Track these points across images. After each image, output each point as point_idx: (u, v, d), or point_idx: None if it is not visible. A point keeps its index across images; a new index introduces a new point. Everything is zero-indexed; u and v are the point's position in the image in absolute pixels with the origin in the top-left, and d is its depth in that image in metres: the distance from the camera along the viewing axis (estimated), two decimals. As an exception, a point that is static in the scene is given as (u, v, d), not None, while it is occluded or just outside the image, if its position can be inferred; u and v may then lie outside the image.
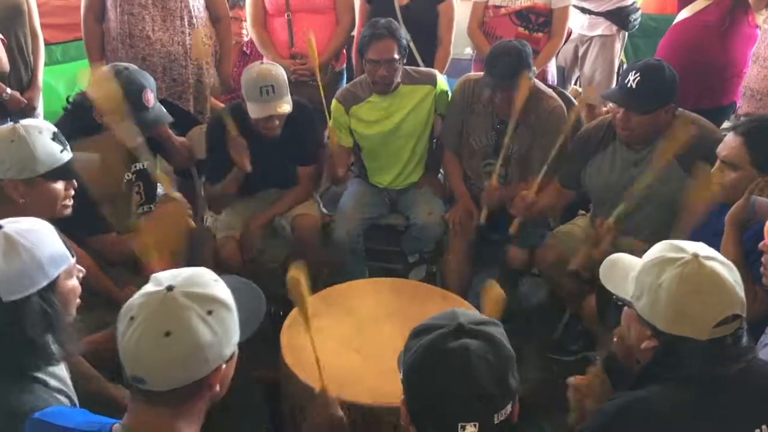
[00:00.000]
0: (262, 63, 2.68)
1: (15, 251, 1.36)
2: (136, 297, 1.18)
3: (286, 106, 2.61)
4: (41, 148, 1.80)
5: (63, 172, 1.86)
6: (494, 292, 1.76)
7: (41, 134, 1.81)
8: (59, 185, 1.88)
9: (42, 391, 1.40)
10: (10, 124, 1.82)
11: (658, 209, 2.42)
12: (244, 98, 2.62)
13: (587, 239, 2.42)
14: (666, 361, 1.37)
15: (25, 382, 1.39)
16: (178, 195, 2.63)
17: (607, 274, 1.51)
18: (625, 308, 1.46)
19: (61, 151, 1.85)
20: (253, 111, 2.59)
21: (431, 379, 1.18)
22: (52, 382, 1.44)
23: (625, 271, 1.46)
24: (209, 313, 1.16)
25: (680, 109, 2.42)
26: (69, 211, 1.93)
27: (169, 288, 1.16)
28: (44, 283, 1.39)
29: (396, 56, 2.73)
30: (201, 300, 1.16)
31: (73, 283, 1.49)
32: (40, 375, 1.42)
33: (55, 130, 1.87)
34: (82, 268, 1.54)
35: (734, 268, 1.37)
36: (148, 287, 1.19)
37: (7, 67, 2.46)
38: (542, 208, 2.64)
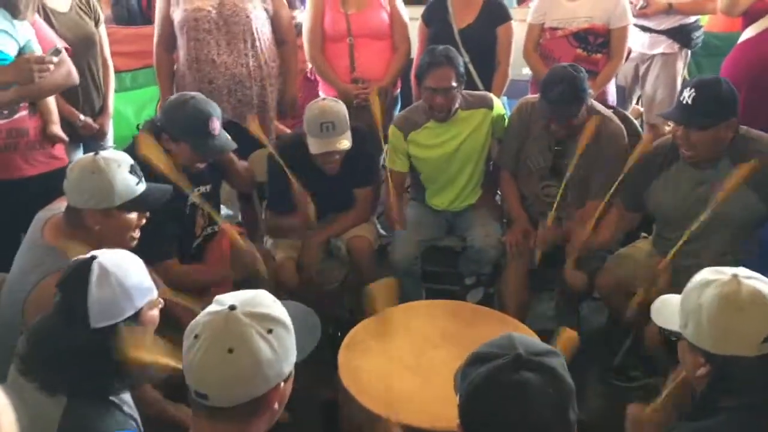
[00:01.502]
0: (324, 99, 2.74)
1: (107, 281, 1.46)
2: (201, 316, 1.24)
3: (345, 142, 2.66)
4: (119, 181, 1.88)
5: (138, 203, 1.94)
6: (568, 335, 1.76)
7: (120, 167, 1.89)
8: (133, 215, 1.96)
9: (121, 416, 1.48)
10: (90, 155, 1.90)
11: (725, 232, 2.36)
12: (306, 132, 2.68)
13: (644, 280, 2.37)
14: (721, 385, 1.37)
15: (108, 406, 1.47)
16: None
17: (657, 313, 1.56)
18: (680, 341, 1.45)
19: (137, 183, 1.93)
20: (314, 146, 2.66)
21: (489, 412, 1.17)
22: (126, 408, 1.50)
23: (675, 306, 1.49)
24: (269, 331, 1.21)
25: (745, 127, 2.35)
26: (136, 242, 2.00)
27: (232, 307, 1.22)
28: (131, 313, 1.49)
29: (454, 84, 2.74)
30: (261, 319, 1.22)
31: (154, 313, 1.58)
32: (116, 400, 1.49)
33: (132, 162, 1.95)
34: (161, 300, 1.62)
35: None
36: (212, 307, 1.25)
37: (77, 78, 2.56)
38: (600, 245, 2.62)
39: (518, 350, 1.18)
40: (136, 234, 2.00)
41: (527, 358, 1.17)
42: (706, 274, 1.41)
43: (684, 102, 2.24)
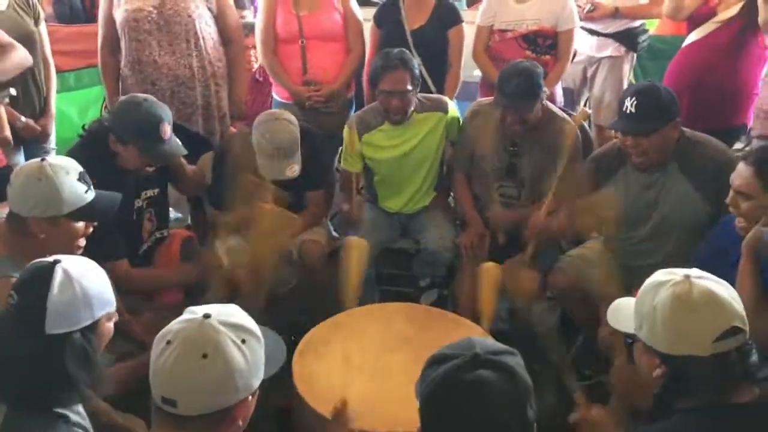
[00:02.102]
0: (276, 118, 2.67)
1: (70, 287, 1.42)
2: (173, 324, 1.23)
3: (295, 167, 2.62)
4: (68, 189, 1.81)
5: (86, 212, 1.87)
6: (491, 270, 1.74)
7: (68, 174, 1.83)
8: (80, 224, 1.89)
9: (64, 428, 1.41)
10: (37, 161, 1.83)
11: (674, 234, 2.41)
12: (254, 147, 2.62)
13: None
14: (676, 386, 1.39)
15: (50, 418, 1.41)
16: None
17: (613, 315, 1.58)
18: (635, 343, 1.47)
19: (86, 192, 1.86)
20: (263, 169, 2.62)
21: (447, 411, 1.18)
22: (74, 417, 1.45)
23: (629, 309, 1.50)
24: (243, 341, 1.21)
25: (689, 130, 2.41)
26: (81, 250, 1.93)
27: (206, 315, 1.22)
28: (88, 322, 1.44)
29: (409, 87, 2.74)
30: (236, 329, 1.22)
31: (110, 326, 1.54)
32: (63, 411, 1.43)
33: (81, 170, 1.88)
34: (117, 315, 1.57)
35: (729, 286, 1.40)
36: (185, 316, 1.24)
37: (31, 59, 2.48)
38: (556, 231, 2.64)
39: (476, 350, 1.19)
40: (82, 243, 1.93)
41: (484, 357, 1.18)
42: (659, 275, 1.43)
43: (627, 111, 2.29)
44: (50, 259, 1.46)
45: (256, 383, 1.25)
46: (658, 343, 1.39)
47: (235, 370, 1.18)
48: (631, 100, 2.28)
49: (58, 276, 1.41)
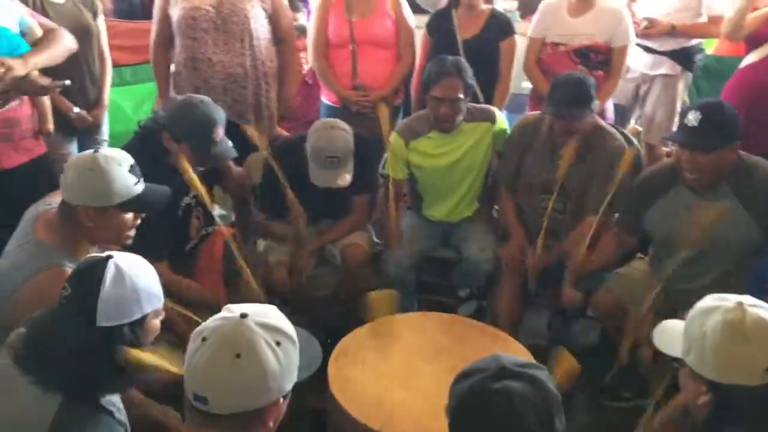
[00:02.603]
0: (332, 126, 2.69)
1: (121, 281, 1.46)
2: (210, 321, 1.24)
3: (347, 177, 2.65)
4: (118, 180, 1.84)
5: (135, 204, 1.90)
6: (567, 359, 1.75)
7: (120, 166, 1.85)
8: (129, 216, 1.93)
9: (112, 422, 1.46)
10: (90, 152, 1.87)
11: (721, 258, 2.36)
12: (308, 154, 2.64)
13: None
14: (723, 414, 1.36)
15: (101, 412, 1.45)
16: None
17: (659, 337, 1.56)
18: (681, 368, 1.45)
19: (136, 183, 1.89)
20: (315, 176, 2.65)
21: (475, 422, 1.17)
22: (116, 414, 1.49)
23: (676, 332, 1.48)
24: (278, 344, 1.21)
25: (744, 153, 2.35)
26: (130, 241, 1.97)
27: (243, 315, 1.22)
28: (137, 317, 1.48)
29: (461, 95, 2.73)
30: (271, 330, 1.22)
31: (157, 323, 1.57)
32: (108, 406, 1.47)
33: (132, 162, 1.91)
34: (164, 312, 1.60)
35: None
36: (222, 314, 1.25)
37: (75, 44, 2.54)
38: (598, 266, 2.62)
39: (502, 363, 1.19)
40: (131, 234, 1.97)
41: (511, 369, 1.18)
42: (711, 301, 1.40)
43: (689, 125, 2.23)
44: (104, 254, 1.50)
45: (289, 386, 1.25)
46: (706, 369, 1.36)
47: (267, 372, 1.18)
48: (695, 113, 2.22)
49: (110, 271, 1.45)
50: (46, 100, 2.65)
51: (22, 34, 2.39)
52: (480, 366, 1.21)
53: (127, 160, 1.90)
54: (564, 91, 2.57)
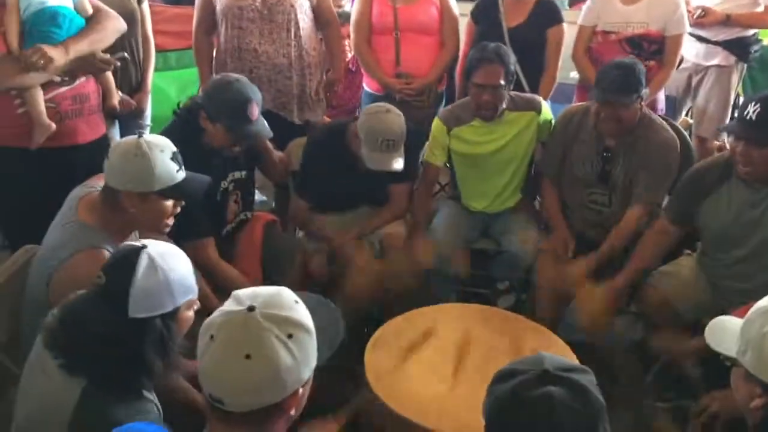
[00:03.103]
0: (387, 110, 2.65)
1: (154, 272, 1.44)
2: (217, 315, 1.19)
3: (401, 161, 2.62)
4: (161, 166, 1.85)
5: (176, 191, 1.91)
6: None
7: (162, 152, 1.87)
8: (169, 203, 1.94)
9: (140, 404, 1.45)
10: (134, 137, 1.88)
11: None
12: (361, 137, 2.62)
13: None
14: None
15: (127, 393, 1.44)
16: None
17: (712, 335, 1.48)
18: (733, 367, 1.38)
19: (177, 171, 1.90)
20: (369, 160, 2.61)
21: (515, 427, 1.13)
22: (146, 393, 1.48)
23: (731, 330, 1.42)
24: (289, 336, 1.15)
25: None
26: (168, 228, 1.98)
27: (250, 308, 1.16)
28: (170, 308, 1.47)
29: (502, 82, 2.68)
30: (281, 322, 1.16)
31: (190, 314, 1.55)
32: (150, 396, 1.47)
33: (175, 149, 1.92)
34: (198, 303, 1.59)
35: None
36: (229, 305, 1.19)
37: (124, 24, 2.57)
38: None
39: (545, 366, 1.14)
40: (170, 221, 1.98)
41: (554, 373, 1.13)
42: None
43: (747, 117, 2.15)
44: (138, 243, 1.49)
45: (307, 374, 1.20)
46: (763, 372, 1.30)
47: (280, 369, 1.13)
48: (754, 106, 2.14)
49: (143, 261, 1.44)
50: (110, 75, 2.67)
51: (75, 8, 2.40)
52: (522, 367, 1.16)
53: (170, 147, 1.91)
54: (613, 76, 2.51)
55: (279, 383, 1.14)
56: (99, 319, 1.43)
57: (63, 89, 2.42)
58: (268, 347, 1.13)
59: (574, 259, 2.71)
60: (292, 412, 1.20)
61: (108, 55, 2.42)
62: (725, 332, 1.44)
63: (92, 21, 2.43)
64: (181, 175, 1.92)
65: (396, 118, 2.63)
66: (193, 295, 1.54)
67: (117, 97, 2.76)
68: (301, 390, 1.20)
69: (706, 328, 1.51)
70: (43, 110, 2.34)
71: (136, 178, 1.84)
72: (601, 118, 2.58)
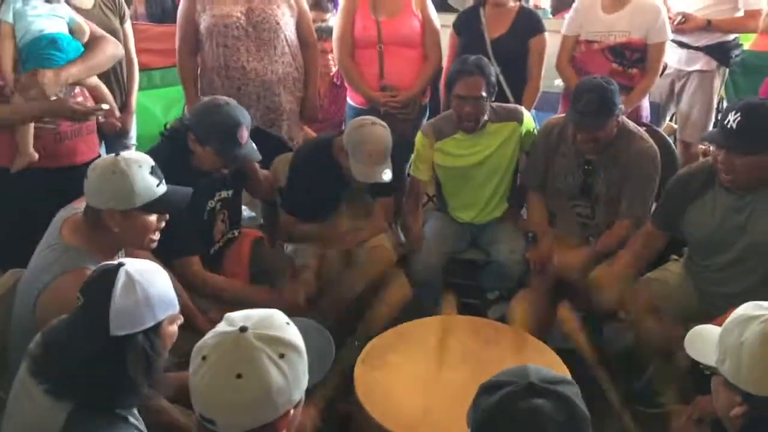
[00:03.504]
0: (374, 123, 2.64)
1: (132, 289, 1.43)
2: (209, 336, 1.20)
3: (389, 172, 2.61)
4: (140, 182, 1.85)
5: (158, 205, 1.91)
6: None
7: (141, 168, 1.86)
8: (153, 218, 1.93)
9: (127, 428, 1.44)
10: (111, 155, 1.88)
11: (761, 262, 2.28)
12: (348, 151, 2.62)
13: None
14: (757, 427, 1.32)
15: (113, 418, 1.43)
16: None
17: (691, 344, 1.49)
18: (714, 376, 1.39)
19: (158, 185, 1.90)
20: (358, 172, 2.60)
21: None
22: (131, 419, 1.47)
23: (710, 339, 1.43)
24: (281, 356, 1.16)
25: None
26: (155, 244, 1.98)
27: (242, 329, 1.17)
28: (151, 324, 1.45)
29: (483, 94, 2.69)
30: (273, 343, 1.17)
31: (173, 329, 1.55)
32: (129, 416, 1.46)
33: (153, 163, 1.92)
34: (181, 317, 1.58)
35: None
36: (222, 327, 1.20)
37: (122, 50, 2.58)
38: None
39: (530, 378, 1.14)
40: (156, 236, 1.97)
41: (540, 386, 1.13)
42: (749, 309, 1.35)
43: (728, 126, 2.15)
44: (115, 262, 1.49)
45: (298, 395, 1.21)
46: (742, 380, 1.31)
47: (272, 389, 1.14)
48: (735, 115, 2.14)
49: (121, 279, 1.43)
50: (107, 91, 2.67)
51: (71, 32, 2.42)
52: (507, 379, 1.16)
53: (148, 162, 1.91)
54: (587, 99, 2.50)
55: (270, 403, 1.15)
56: (81, 339, 1.42)
57: None
58: (259, 366, 1.14)
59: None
60: None
61: (89, 107, 2.42)
62: (704, 341, 1.45)
63: (90, 47, 2.44)
64: (162, 188, 1.92)
65: (382, 131, 2.63)
66: (175, 309, 1.53)
67: (117, 111, 2.76)
68: (292, 411, 1.20)
69: (686, 338, 1.52)
70: (30, 141, 2.35)
71: (117, 196, 1.84)
72: (578, 139, 2.60)
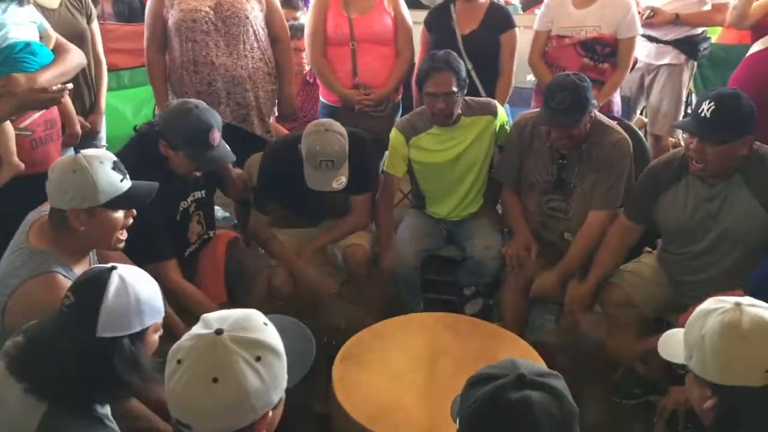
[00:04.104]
0: (326, 129, 2.61)
1: (125, 292, 1.43)
2: (185, 338, 1.17)
3: (342, 179, 2.59)
4: (102, 178, 1.81)
5: (123, 201, 1.87)
6: None
7: (102, 164, 1.83)
8: (119, 214, 1.89)
9: (101, 428, 1.43)
10: (71, 154, 1.85)
11: (735, 249, 2.31)
12: (303, 156, 2.60)
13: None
14: (728, 418, 1.34)
15: (89, 418, 1.42)
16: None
17: (664, 346, 1.53)
18: (687, 373, 1.43)
19: (121, 180, 1.86)
20: (310, 179, 2.59)
21: (493, 430, 1.13)
22: (106, 421, 1.45)
23: (679, 339, 1.46)
24: (258, 359, 1.14)
25: (758, 143, 2.30)
26: (123, 244, 1.94)
27: (218, 332, 1.15)
28: (137, 329, 1.45)
29: (454, 89, 2.69)
30: (250, 345, 1.15)
31: (155, 338, 1.54)
32: (98, 414, 1.44)
33: (115, 159, 1.88)
34: (161, 328, 1.57)
35: None
36: (197, 329, 1.18)
37: (85, 59, 2.54)
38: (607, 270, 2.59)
39: (520, 371, 1.15)
40: (123, 235, 1.93)
41: (530, 378, 1.14)
42: (709, 304, 1.39)
43: (702, 115, 2.18)
44: (108, 264, 1.48)
45: (276, 397, 1.19)
46: (708, 373, 1.35)
47: (249, 393, 1.12)
48: (709, 104, 2.17)
49: (114, 282, 1.43)
50: (70, 103, 2.64)
51: (39, 38, 2.37)
52: (496, 372, 1.17)
53: (109, 158, 1.87)
54: (559, 96, 2.50)
55: (247, 407, 1.13)
56: (67, 337, 1.41)
57: (36, 116, 2.37)
58: (235, 370, 1.12)
59: (542, 271, 2.74)
60: None
61: (55, 87, 2.35)
62: (675, 342, 1.48)
63: (59, 54, 2.39)
64: (126, 184, 1.87)
65: (335, 138, 2.59)
66: (161, 318, 1.52)
67: (78, 124, 2.71)
68: (271, 413, 1.18)
69: (659, 342, 1.55)
70: (13, 150, 2.29)
71: (80, 195, 1.79)
72: (552, 136, 2.61)
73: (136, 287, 1.45)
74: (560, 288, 2.67)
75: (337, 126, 2.65)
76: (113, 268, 1.46)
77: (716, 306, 1.37)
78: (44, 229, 1.86)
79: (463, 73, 2.74)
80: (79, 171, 1.79)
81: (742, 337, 1.30)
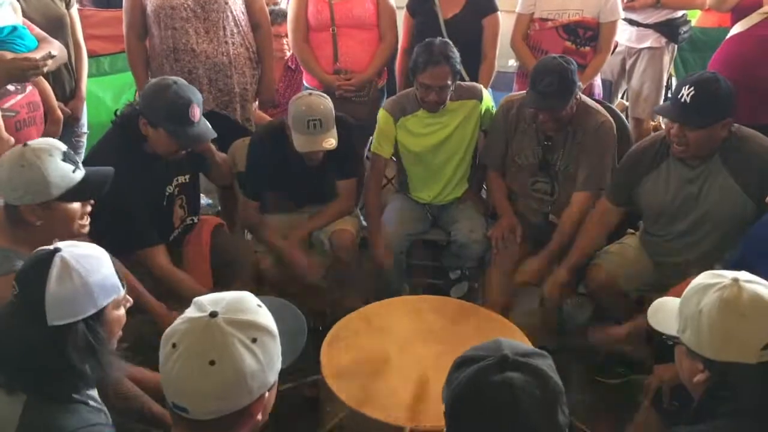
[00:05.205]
0: (311, 93, 2.63)
1: (68, 276, 1.36)
2: (179, 322, 1.16)
3: (332, 141, 2.59)
4: (53, 171, 1.75)
5: (78, 192, 1.82)
6: None
7: (52, 156, 1.76)
8: (75, 205, 1.84)
9: (85, 411, 1.40)
10: (18, 147, 1.78)
11: (715, 231, 2.35)
12: (290, 127, 2.60)
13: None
14: (720, 393, 1.35)
15: (68, 404, 1.38)
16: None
17: (654, 315, 1.52)
18: (677, 346, 1.43)
19: (74, 171, 1.80)
20: (299, 143, 2.58)
21: (475, 413, 1.12)
22: (92, 402, 1.43)
23: (671, 310, 1.46)
24: (253, 341, 1.14)
25: (736, 125, 2.33)
26: (86, 230, 1.89)
27: (213, 314, 1.14)
28: (92, 312, 1.39)
29: (449, 83, 2.70)
30: (245, 327, 1.14)
31: (120, 313, 1.48)
32: (81, 397, 1.41)
33: (65, 149, 1.82)
34: (130, 299, 1.53)
35: None
36: (191, 312, 1.17)
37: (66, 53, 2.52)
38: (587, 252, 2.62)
39: (504, 352, 1.13)
40: (85, 221, 1.88)
41: (513, 359, 1.12)
42: (706, 278, 1.38)
43: (682, 100, 2.20)
44: (50, 247, 1.41)
45: (273, 378, 1.19)
46: (702, 347, 1.35)
47: (246, 374, 1.11)
48: (688, 89, 2.19)
49: (55, 266, 1.36)
50: (49, 90, 2.60)
51: None
52: (481, 353, 1.16)
53: (59, 148, 1.81)
54: (547, 80, 2.51)
55: (245, 388, 1.13)
56: (18, 330, 1.36)
57: (19, 97, 2.34)
58: (232, 352, 1.11)
59: (528, 257, 2.77)
60: (259, 416, 1.18)
61: (37, 56, 2.31)
62: (666, 312, 1.48)
63: (42, 42, 2.39)
64: (79, 174, 1.82)
65: (320, 99, 2.60)
66: (119, 293, 1.46)
67: (58, 110, 2.68)
68: (267, 394, 1.18)
69: (648, 310, 1.55)
70: (1, 125, 2.24)
71: (31, 191, 1.74)
72: (539, 119, 2.62)
73: (82, 269, 1.37)
74: (547, 273, 2.69)
75: (322, 93, 2.65)
76: (56, 250, 1.38)
77: (713, 281, 1.36)
78: (2, 225, 1.79)
79: (458, 65, 2.73)
80: (28, 166, 1.73)
81: (741, 314, 1.30)
